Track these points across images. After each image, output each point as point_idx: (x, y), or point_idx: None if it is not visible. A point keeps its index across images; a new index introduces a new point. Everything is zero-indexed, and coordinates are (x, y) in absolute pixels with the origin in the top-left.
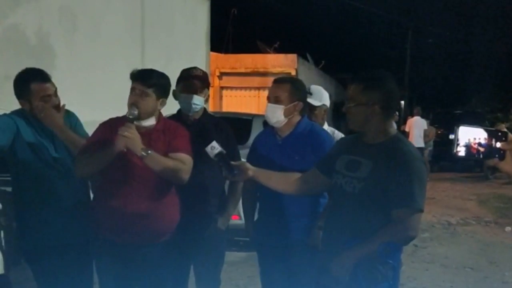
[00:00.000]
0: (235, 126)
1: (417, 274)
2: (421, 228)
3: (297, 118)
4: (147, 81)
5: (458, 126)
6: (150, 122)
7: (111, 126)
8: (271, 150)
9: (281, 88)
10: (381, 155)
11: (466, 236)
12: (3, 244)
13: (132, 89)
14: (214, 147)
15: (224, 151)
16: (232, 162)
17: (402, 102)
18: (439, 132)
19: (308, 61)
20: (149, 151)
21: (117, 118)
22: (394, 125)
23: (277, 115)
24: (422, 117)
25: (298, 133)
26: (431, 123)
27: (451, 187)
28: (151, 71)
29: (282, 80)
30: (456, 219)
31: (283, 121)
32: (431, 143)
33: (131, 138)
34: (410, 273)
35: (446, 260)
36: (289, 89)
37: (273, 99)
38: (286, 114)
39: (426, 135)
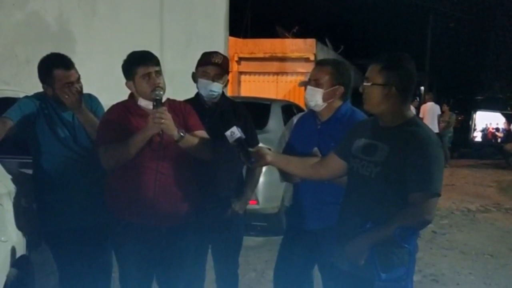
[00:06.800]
0: (253, 111)
1: (435, 261)
2: (440, 214)
3: (337, 103)
4: (154, 60)
5: (475, 111)
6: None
7: (125, 112)
8: (309, 134)
9: (321, 71)
10: (398, 139)
11: (485, 223)
12: (24, 225)
13: (147, 74)
14: (234, 132)
15: (244, 137)
16: (250, 149)
17: (422, 88)
18: (459, 118)
19: (327, 46)
20: (183, 133)
21: (125, 102)
22: (412, 109)
23: (316, 99)
24: (437, 102)
25: (337, 119)
26: (451, 109)
27: (471, 174)
28: (146, 51)
29: (323, 63)
30: (476, 206)
31: (322, 105)
32: (451, 129)
33: (168, 123)
34: (428, 260)
35: (465, 247)
36: (330, 72)
37: (313, 82)
38: (325, 98)
39: (443, 121)
